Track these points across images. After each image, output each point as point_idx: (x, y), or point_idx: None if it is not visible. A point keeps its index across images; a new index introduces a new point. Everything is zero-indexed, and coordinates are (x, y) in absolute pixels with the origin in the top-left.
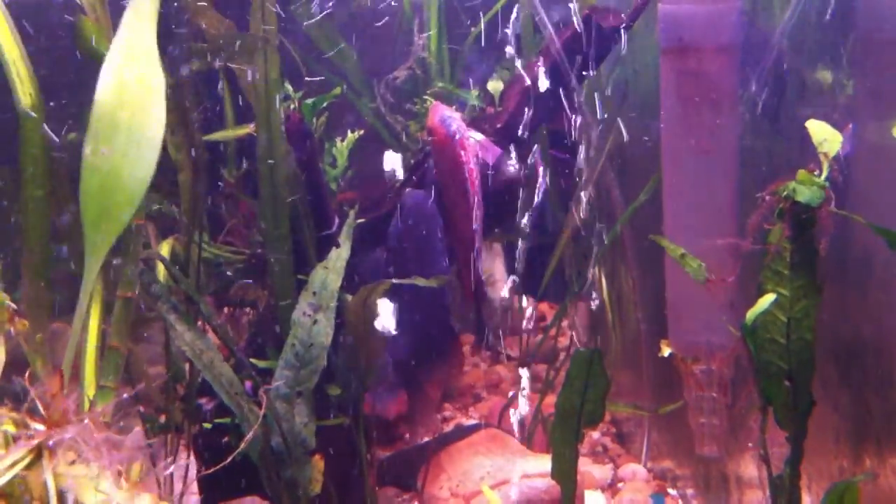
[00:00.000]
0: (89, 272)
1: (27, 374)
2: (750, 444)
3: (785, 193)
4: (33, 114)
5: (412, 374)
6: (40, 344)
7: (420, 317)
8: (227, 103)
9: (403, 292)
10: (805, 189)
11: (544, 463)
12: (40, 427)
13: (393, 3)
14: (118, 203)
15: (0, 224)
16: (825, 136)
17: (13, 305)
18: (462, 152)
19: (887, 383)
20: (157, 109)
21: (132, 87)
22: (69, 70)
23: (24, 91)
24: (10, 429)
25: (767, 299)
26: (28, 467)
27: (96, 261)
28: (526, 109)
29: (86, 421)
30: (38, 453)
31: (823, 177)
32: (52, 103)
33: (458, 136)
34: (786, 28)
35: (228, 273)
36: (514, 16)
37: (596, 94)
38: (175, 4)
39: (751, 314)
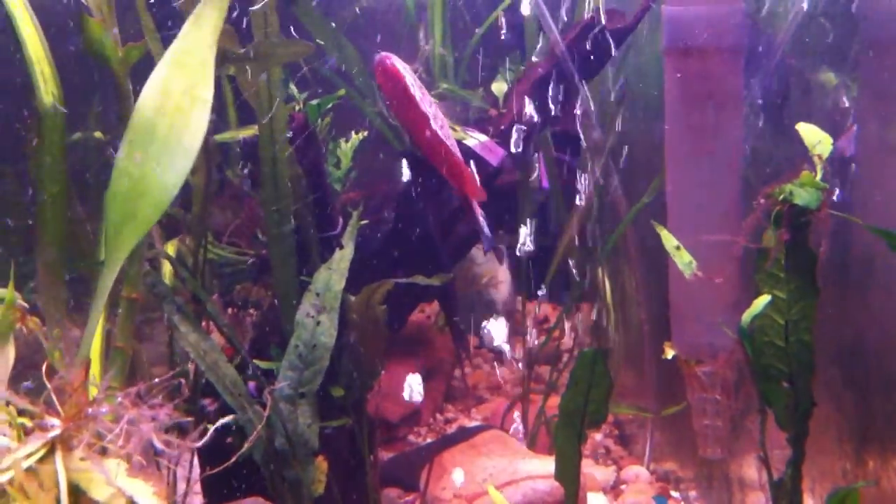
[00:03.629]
0: (108, 274)
1: (44, 367)
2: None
3: (782, 196)
4: (62, 108)
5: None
6: (58, 339)
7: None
8: (230, 104)
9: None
10: (803, 192)
11: (547, 464)
12: (55, 421)
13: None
14: (144, 209)
15: (9, 223)
16: (818, 139)
17: (25, 304)
18: (395, 69)
19: (890, 385)
20: (199, 121)
21: (177, 96)
22: (78, 71)
23: (48, 90)
24: (26, 422)
25: (762, 301)
26: (41, 461)
27: (115, 263)
28: (529, 111)
29: (103, 411)
30: (51, 447)
31: (818, 178)
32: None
33: (389, 62)
34: (790, 29)
35: (232, 273)
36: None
37: (600, 96)
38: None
39: (746, 316)
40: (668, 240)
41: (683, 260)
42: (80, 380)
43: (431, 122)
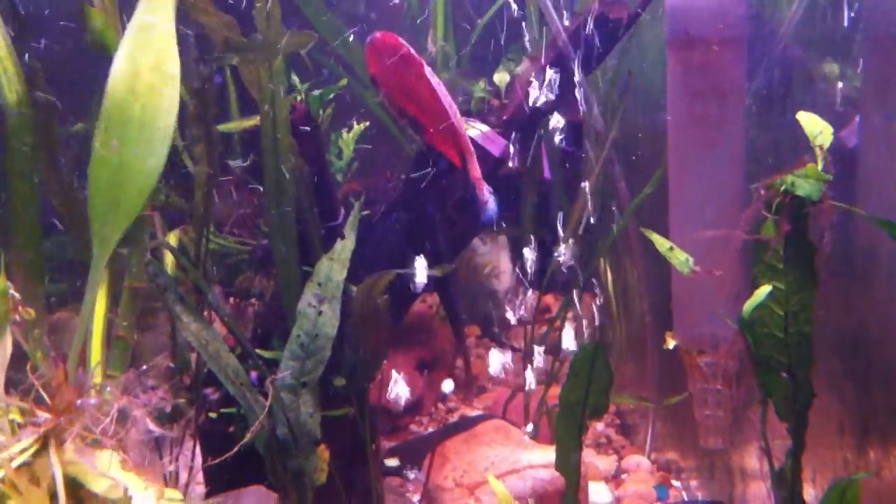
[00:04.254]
0: (97, 264)
1: (28, 367)
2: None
3: (783, 188)
4: (53, 100)
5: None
6: (38, 338)
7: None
8: (232, 94)
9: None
10: (804, 183)
11: (549, 454)
12: (46, 415)
13: None
14: (128, 196)
15: None
16: (819, 129)
17: (17, 295)
18: (393, 38)
19: (892, 376)
20: (171, 99)
21: (146, 74)
22: (79, 62)
23: (11, 88)
24: (17, 418)
25: (763, 292)
26: (35, 455)
27: (104, 253)
28: (532, 101)
29: (92, 402)
30: (44, 441)
31: (819, 168)
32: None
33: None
34: (792, 21)
35: (234, 263)
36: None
37: (602, 86)
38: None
39: (747, 307)
40: (661, 243)
41: (679, 259)
42: (64, 372)
43: (437, 89)
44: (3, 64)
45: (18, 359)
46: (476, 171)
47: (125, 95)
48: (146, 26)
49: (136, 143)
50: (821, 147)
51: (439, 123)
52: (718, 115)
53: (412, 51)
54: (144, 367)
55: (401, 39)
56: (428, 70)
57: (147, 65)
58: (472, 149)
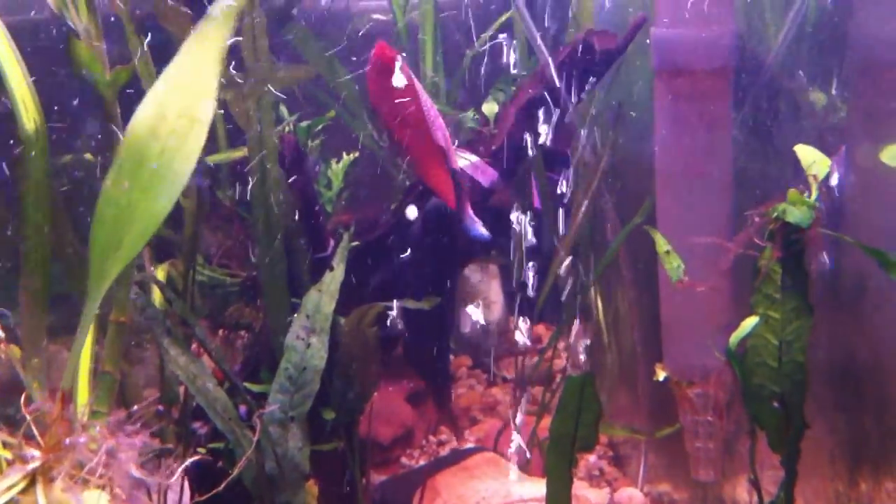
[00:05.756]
0: (92, 301)
1: (23, 398)
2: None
3: (775, 214)
4: (49, 128)
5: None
6: (37, 369)
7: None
8: (220, 124)
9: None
10: (795, 210)
11: (541, 488)
12: (35, 452)
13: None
14: (129, 237)
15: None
16: (814, 159)
17: (1, 334)
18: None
19: (882, 406)
20: (194, 145)
21: (172, 118)
22: (66, 94)
23: (29, 117)
24: (5, 454)
25: (749, 323)
26: (23, 492)
27: (99, 290)
28: (521, 131)
29: (82, 440)
30: (32, 479)
31: (813, 198)
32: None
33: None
34: (780, 51)
35: (222, 295)
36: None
37: (590, 116)
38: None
39: (734, 338)
40: (660, 244)
41: (672, 264)
42: (59, 409)
43: (430, 116)
44: (21, 92)
45: (9, 391)
46: (467, 211)
47: (146, 137)
48: (184, 67)
49: (148, 187)
50: (815, 177)
51: (431, 156)
52: (706, 145)
53: (410, 73)
54: (133, 407)
55: (400, 57)
56: (423, 96)
57: (176, 108)
58: (463, 189)
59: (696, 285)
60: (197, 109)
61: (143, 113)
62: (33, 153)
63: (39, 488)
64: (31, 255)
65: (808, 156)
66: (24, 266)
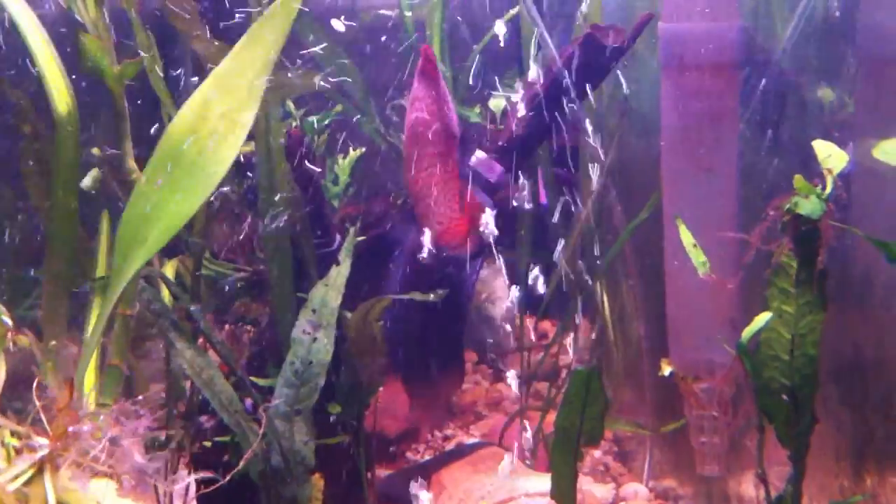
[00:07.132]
0: (111, 295)
1: (35, 384)
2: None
3: (787, 207)
4: (70, 127)
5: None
6: (52, 351)
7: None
8: None
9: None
10: (805, 201)
11: (546, 482)
12: (43, 441)
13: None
14: (156, 233)
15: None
16: (829, 153)
17: (9, 322)
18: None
19: (888, 402)
20: (231, 145)
21: (213, 119)
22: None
23: (61, 100)
24: (14, 442)
25: (763, 318)
26: (30, 482)
27: (120, 283)
28: (528, 127)
29: (86, 429)
30: (40, 467)
31: (827, 192)
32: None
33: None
34: (787, 46)
35: (229, 290)
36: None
37: (597, 112)
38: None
39: (747, 333)
40: (687, 238)
41: (699, 259)
42: (67, 399)
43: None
44: (53, 75)
45: (16, 385)
46: (444, 240)
47: (184, 136)
48: (231, 71)
49: (180, 186)
50: (829, 170)
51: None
52: (712, 140)
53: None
54: (138, 397)
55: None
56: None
57: (218, 110)
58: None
59: (721, 281)
60: (239, 113)
61: (186, 112)
62: (65, 136)
63: (47, 476)
64: (57, 239)
65: (824, 150)
66: (47, 248)
